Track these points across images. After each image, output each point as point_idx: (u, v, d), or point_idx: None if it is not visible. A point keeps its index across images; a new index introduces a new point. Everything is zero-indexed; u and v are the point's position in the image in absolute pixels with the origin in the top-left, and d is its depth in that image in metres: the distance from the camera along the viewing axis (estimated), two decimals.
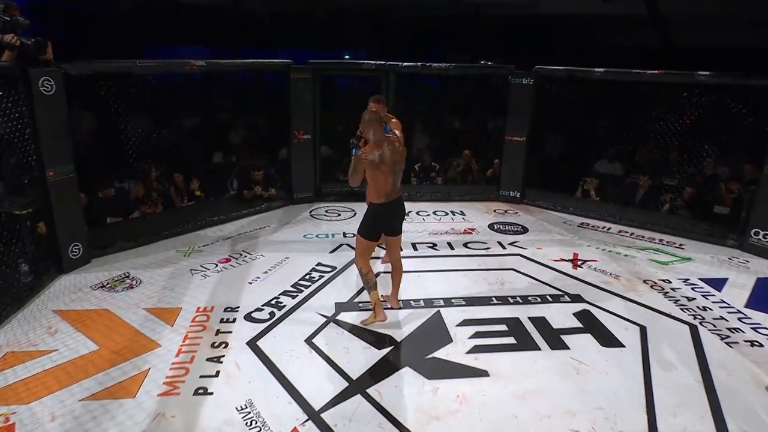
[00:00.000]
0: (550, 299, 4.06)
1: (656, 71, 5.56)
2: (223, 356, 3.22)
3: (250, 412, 2.75)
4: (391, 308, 3.79)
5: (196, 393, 2.88)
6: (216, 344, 3.35)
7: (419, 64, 6.39)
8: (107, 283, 4.21)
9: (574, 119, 6.46)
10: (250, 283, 4.27)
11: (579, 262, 4.81)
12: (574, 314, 3.84)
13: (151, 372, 3.05)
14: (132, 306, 3.84)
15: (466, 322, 3.68)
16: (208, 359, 3.19)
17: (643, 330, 3.65)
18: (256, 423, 2.68)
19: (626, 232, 5.76)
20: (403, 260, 4.77)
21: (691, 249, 5.28)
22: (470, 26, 11.48)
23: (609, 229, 5.87)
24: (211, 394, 2.88)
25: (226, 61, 6.70)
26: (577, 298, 4.09)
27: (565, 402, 2.90)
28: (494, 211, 6.40)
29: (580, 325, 3.69)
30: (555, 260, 4.85)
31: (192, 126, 7.13)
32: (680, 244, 5.40)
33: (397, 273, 3.80)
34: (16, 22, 3.89)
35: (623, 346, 3.45)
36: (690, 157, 6.01)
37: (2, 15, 3.87)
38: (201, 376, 3.02)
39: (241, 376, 3.05)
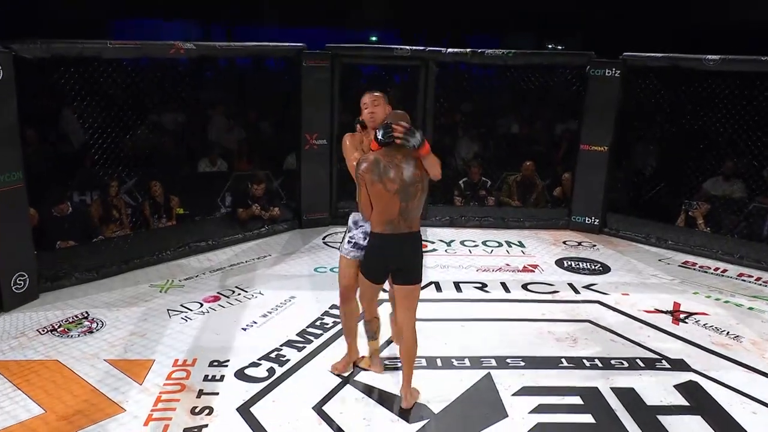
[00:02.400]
0: (642, 365, 3.95)
1: None
2: (207, 426, 3.21)
3: None
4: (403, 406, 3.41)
5: None
6: (197, 410, 3.35)
7: (468, 50, 6.43)
8: (59, 326, 4.26)
9: (676, 123, 6.36)
10: (245, 329, 4.28)
11: (682, 316, 4.68)
12: (675, 387, 3.70)
13: None
14: (90, 356, 3.87)
15: (525, 391, 3.61)
16: (186, 429, 3.18)
17: None
18: None
19: (749, 276, 5.59)
20: (444, 304, 4.81)
21: None
22: None
23: (725, 271, 5.70)
24: None
25: (221, 44, 6.88)
26: (680, 365, 3.96)
27: None
28: (564, 243, 6.32)
29: (686, 403, 3.55)
30: (648, 311, 4.73)
31: (174, 125, 7.31)
32: None
33: (405, 350, 3.40)
34: None
35: None
36: None
37: None
38: None
39: None
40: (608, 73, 6.18)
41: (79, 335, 4.15)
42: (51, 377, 3.64)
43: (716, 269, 5.73)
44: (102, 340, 4.08)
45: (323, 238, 6.21)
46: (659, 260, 5.92)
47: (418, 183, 3.16)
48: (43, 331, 4.20)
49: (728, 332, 4.43)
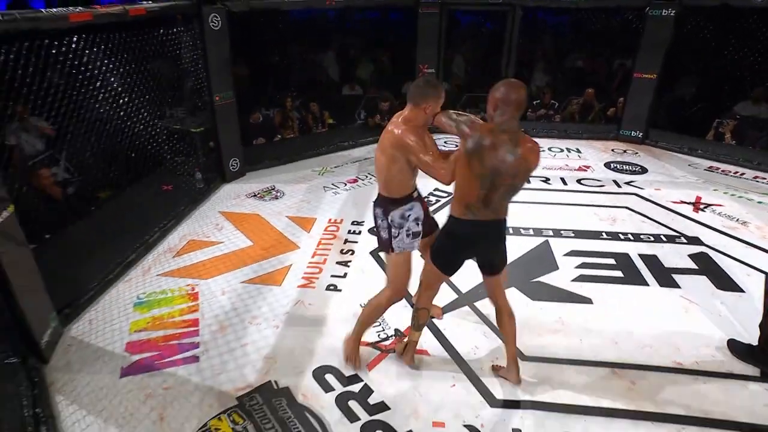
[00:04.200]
0: (665, 239, 3.75)
1: None
2: (350, 261, 3.47)
3: None
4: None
5: (327, 288, 3.17)
6: (344, 251, 3.61)
7: None
8: (258, 193, 4.64)
9: (718, 56, 5.50)
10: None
11: (701, 206, 4.33)
12: (689, 255, 3.51)
13: (292, 267, 3.39)
14: (277, 213, 4.22)
15: (573, 253, 3.55)
16: (337, 262, 3.46)
17: None
18: None
19: (763, 178, 5.00)
20: None
21: None
22: None
23: (743, 174, 5.13)
24: (340, 290, 3.15)
25: None
26: (694, 241, 3.72)
27: (669, 336, 2.74)
28: (612, 150, 5.89)
29: (695, 267, 3.38)
30: (674, 202, 4.41)
31: (326, 60, 7.32)
32: None
33: (505, 323, 2.40)
34: None
35: (742, 291, 3.12)
36: None
37: None
38: (332, 276, 3.30)
39: (365, 279, 3.27)
40: (665, 13, 5.39)
41: (269, 200, 4.50)
42: (255, 224, 4.02)
43: (736, 173, 5.16)
44: (283, 204, 4.41)
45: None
46: (689, 165, 5.40)
47: (522, 166, 2.04)
48: (249, 195, 4.59)
49: (738, 219, 4.08)
